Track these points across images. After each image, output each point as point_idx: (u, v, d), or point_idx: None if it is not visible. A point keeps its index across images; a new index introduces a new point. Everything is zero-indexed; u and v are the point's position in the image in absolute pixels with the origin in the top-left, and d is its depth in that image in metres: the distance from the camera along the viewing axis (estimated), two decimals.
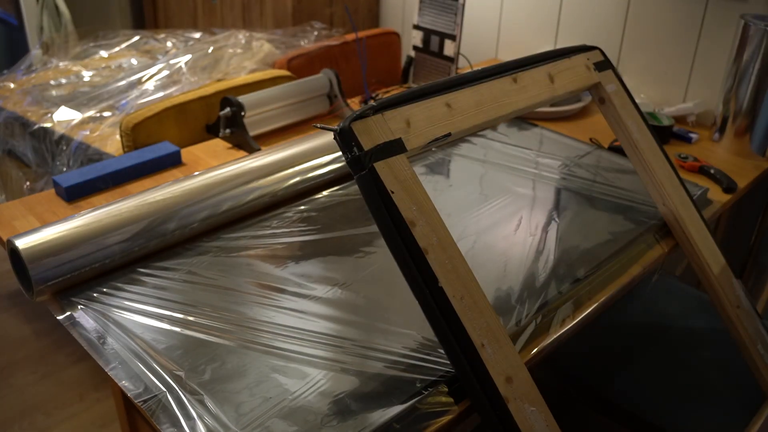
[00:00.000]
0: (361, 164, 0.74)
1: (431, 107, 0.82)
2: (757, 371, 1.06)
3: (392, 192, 0.74)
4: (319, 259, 1.06)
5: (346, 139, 0.75)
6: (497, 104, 0.89)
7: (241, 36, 2.10)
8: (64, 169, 1.77)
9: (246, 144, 1.40)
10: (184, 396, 0.79)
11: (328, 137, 1.29)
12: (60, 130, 1.81)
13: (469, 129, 0.86)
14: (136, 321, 0.91)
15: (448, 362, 0.84)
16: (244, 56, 2.01)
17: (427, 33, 1.71)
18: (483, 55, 2.18)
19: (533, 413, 0.74)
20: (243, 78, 1.64)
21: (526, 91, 0.94)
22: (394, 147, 0.76)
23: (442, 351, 0.86)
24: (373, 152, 0.74)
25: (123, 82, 1.99)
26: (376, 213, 0.75)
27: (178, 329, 0.90)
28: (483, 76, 0.90)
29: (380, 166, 0.74)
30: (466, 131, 0.86)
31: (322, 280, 1.01)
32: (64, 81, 2.09)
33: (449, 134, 0.82)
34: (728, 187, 1.35)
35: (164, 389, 0.80)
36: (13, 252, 0.95)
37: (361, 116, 0.75)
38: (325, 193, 1.26)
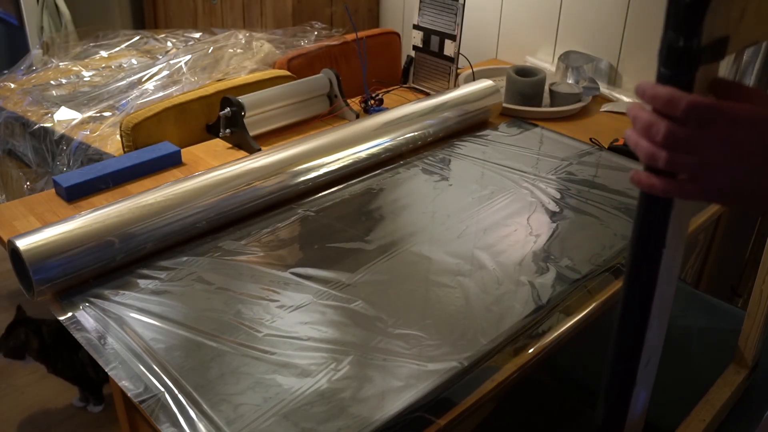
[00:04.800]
0: (683, 60, 0.48)
1: None
2: None
3: None
4: (319, 260, 1.06)
5: (691, 14, 0.46)
6: None
7: (241, 36, 2.09)
8: (64, 169, 1.77)
9: (246, 144, 1.40)
10: (184, 396, 0.79)
11: (329, 137, 1.28)
12: (60, 130, 1.81)
13: None
14: (136, 321, 0.91)
15: (448, 363, 0.84)
16: (244, 56, 2.01)
17: (427, 33, 1.71)
18: (483, 55, 2.18)
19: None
20: (243, 78, 1.64)
21: None
22: (717, 49, 0.49)
23: (442, 351, 0.86)
24: (704, 50, 0.48)
25: (123, 82, 1.99)
26: None
27: (178, 330, 0.90)
28: None
29: (701, 74, 0.48)
30: None
31: (322, 281, 1.01)
32: (64, 81, 2.09)
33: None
34: None
35: (164, 389, 0.80)
36: (14, 252, 0.95)
37: None
38: (325, 193, 1.26)
